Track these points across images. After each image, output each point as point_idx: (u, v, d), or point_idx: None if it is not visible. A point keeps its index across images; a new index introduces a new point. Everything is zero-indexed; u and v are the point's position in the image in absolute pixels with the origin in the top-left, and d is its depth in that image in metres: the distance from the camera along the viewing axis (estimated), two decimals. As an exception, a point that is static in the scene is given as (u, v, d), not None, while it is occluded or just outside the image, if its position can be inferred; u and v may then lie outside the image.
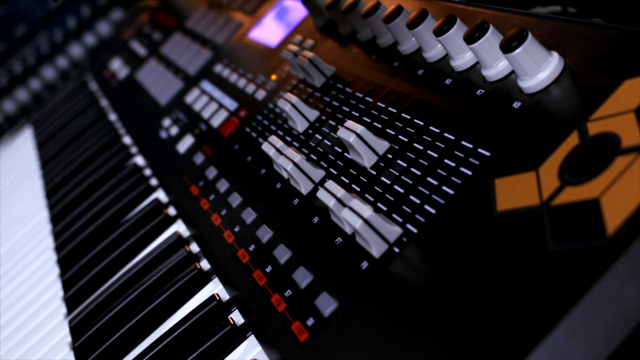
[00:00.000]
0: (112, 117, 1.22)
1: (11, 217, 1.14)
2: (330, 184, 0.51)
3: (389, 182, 0.51)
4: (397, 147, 0.53)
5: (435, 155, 0.49)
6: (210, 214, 0.67)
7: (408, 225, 0.46)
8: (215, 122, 0.82)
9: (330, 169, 0.58)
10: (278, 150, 0.60)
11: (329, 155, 0.59)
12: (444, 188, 0.46)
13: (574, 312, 0.33)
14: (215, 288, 0.63)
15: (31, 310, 0.84)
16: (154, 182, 0.90)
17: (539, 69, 0.45)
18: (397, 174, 0.51)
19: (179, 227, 0.76)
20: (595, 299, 0.33)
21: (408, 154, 0.51)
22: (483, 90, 0.50)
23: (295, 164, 0.58)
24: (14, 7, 1.62)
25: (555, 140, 0.41)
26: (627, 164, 0.36)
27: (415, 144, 0.51)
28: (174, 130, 0.89)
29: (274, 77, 0.78)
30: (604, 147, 0.38)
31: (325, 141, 0.62)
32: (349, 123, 0.55)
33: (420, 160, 0.50)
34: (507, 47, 0.45)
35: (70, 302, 0.78)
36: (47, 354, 0.74)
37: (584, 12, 0.66)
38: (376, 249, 0.46)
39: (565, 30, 0.48)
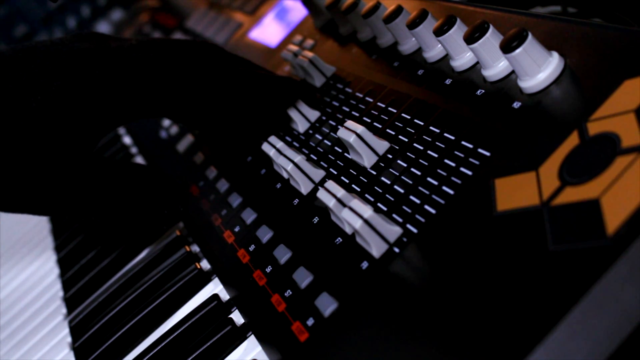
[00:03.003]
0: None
1: (11, 217, 1.14)
2: (330, 184, 0.51)
3: (389, 182, 0.51)
4: (397, 147, 0.53)
5: (435, 156, 0.49)
6: (210, 214, 0.67)
7: (408, 225, 0.46)
8: (215, 122, 0.82)
9: (330, 169, 0.58)
10: (278, 150, 0.60)
11: (329, 155, 0.59)
12: (444, 188, 0.46)
13: (574, 312, 0.33)
14: (215, 288, 0.63)
15: (31, 310, 0.84)
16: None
17: (539, 69, 0.45)
18: (397, 174, 0.51)
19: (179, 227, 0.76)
20: (595, 299, 0.33)
21: (408, 154, 0.51)
22: (483, 91, 0.50)
23: (295, 164, 0.58)
24: (14, 7, 1.61)
25: (555, 140, 0.41)
26: (627, 164, 0.36)
27: (415, 144, 0.51)
28: (174, 130, 0.88)
29: (274, 77, 0.78)
30: (604, 147, 0.38)
31: (325, 141, 0.62)
32: (349, 123, 0.55)
33: (420, 161, 0.50)
34: (507, 47, 0.45)
35: (70, 302, 0.78)
36: (47, 354, 0.74)
37: (584, 12, 0.66)
38: (376, 249, 0.46)
39: (565, 30, 0.48)
